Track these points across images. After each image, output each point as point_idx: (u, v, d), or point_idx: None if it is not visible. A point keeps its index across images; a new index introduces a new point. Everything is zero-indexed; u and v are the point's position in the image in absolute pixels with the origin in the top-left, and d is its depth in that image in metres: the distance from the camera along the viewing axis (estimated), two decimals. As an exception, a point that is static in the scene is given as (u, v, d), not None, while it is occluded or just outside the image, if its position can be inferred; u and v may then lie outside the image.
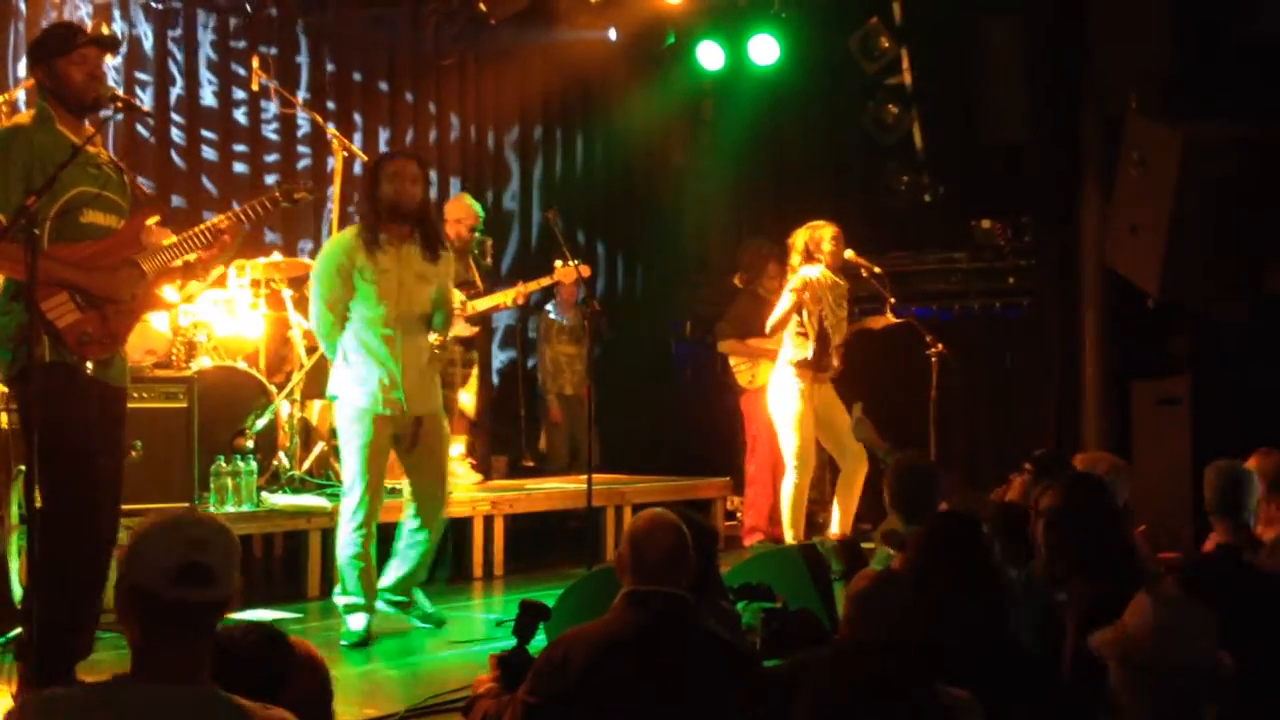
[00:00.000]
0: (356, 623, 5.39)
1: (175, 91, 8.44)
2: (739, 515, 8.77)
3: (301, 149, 9.11)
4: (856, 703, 2.72)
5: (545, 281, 7.97)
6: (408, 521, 5.60)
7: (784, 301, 6.97)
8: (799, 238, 7.03)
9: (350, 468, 5.38)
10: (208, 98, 8.62)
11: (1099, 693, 2.74)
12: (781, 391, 6.93)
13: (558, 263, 7.39)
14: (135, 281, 4.25)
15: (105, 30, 5.39)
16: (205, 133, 8.59)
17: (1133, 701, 2.58)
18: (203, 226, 4.44)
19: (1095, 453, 5.34)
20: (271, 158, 8.93)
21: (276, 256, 7.44)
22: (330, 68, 9.25)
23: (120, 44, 5.12)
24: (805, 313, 6.89)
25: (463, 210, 7.40)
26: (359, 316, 5.37)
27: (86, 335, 4.08)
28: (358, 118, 9.36)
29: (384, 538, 5.60)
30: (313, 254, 8.28)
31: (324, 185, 9.08)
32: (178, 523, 2.31)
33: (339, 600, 5.47)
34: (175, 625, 2.25)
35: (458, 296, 6.98)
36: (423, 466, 5.54)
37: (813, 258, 6.97)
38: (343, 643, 5.34)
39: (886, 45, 8.95)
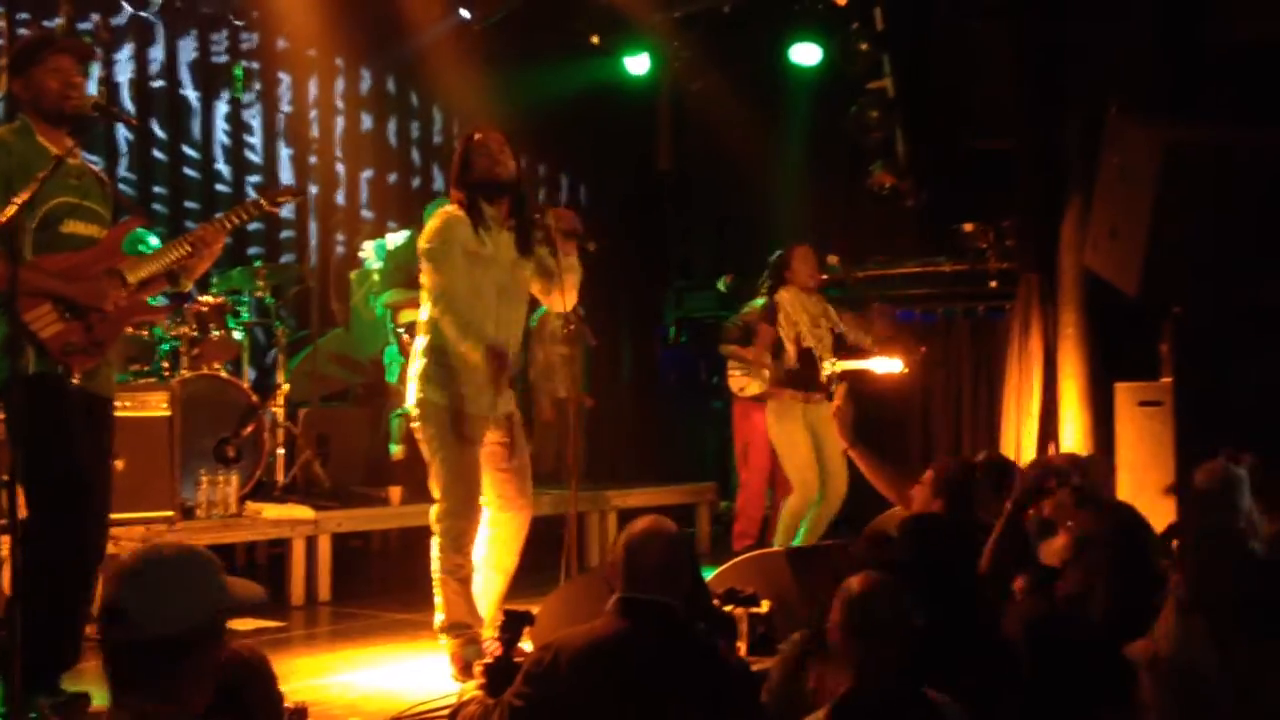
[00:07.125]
0: (465, 650, 4.74)
1: (155, 96, 8.45)
2: (724, 520, 8.76)
3: (283, 156, 9.11)
4: None
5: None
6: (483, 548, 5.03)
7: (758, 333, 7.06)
8: (771, 264, 7.13)
9: (442, 475, 4.83)
10: (190, 105, 8.63)
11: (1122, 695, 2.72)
12: (775, 415, 6.97)
13: None
14: (118, 290, 4.23)
15: (85, 39, 5.36)
16: (187, 150, 8.59)
17: (1158, 708, 2.57)
18: (186, 236, 4.43)
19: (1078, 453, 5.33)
20: (255, 170, 8.93)
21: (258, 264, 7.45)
22: (313, 87, 9.25)
23: (95, 53, 5.03)
24: (782, 336, 6.94)
25: None
26: None
27: (71, 345, 4.06)
28: (339, 122, 9.35)
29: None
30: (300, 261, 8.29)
31: (306, 192, 9.11)
32: (134, 553, 2.18)
33: (437, 624, 4.89)
34: (107, 664, 2.15)
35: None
36: (512, 471, 5.04)
37: (782, 280, 7.05)
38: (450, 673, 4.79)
39: (867, 49, 8.97)
